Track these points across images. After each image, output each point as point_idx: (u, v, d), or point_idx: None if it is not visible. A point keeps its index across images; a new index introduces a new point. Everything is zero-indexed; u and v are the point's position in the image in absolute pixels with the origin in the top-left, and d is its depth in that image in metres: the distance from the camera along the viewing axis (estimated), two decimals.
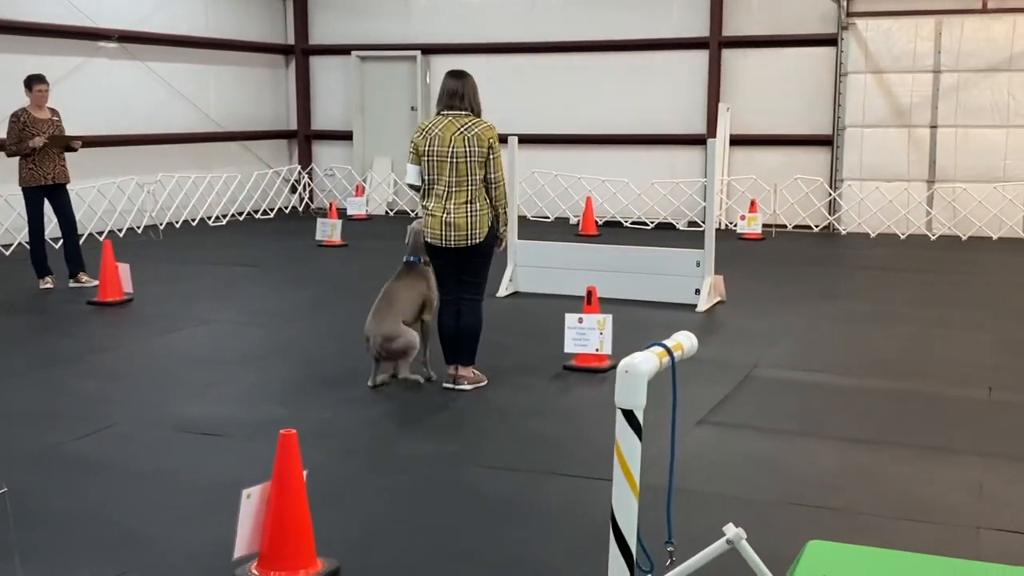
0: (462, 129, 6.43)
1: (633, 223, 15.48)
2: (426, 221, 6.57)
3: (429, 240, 6.58)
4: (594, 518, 4.57)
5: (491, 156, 6.46)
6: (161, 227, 14.75)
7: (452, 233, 6.47)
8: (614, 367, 2.81)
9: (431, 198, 6.52)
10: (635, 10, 16.10)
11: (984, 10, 14.24)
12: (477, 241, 6.51)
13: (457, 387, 6.72)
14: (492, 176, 6.49)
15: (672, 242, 12.07)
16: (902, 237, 14.34)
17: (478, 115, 6.55)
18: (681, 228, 15.14)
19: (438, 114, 6.56)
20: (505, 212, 6.66)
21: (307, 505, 4.01)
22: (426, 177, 6.52)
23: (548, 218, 16.11)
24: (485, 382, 6.85)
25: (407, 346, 6.65)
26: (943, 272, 11.58)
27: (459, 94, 6.51)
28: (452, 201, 6.45)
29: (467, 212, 6.44)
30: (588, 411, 6.36)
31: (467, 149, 6.39)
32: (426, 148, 6.47)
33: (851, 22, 14.88)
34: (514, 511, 4.80)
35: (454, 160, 6.40)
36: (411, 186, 6.64)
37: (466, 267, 6.64)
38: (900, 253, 13.04)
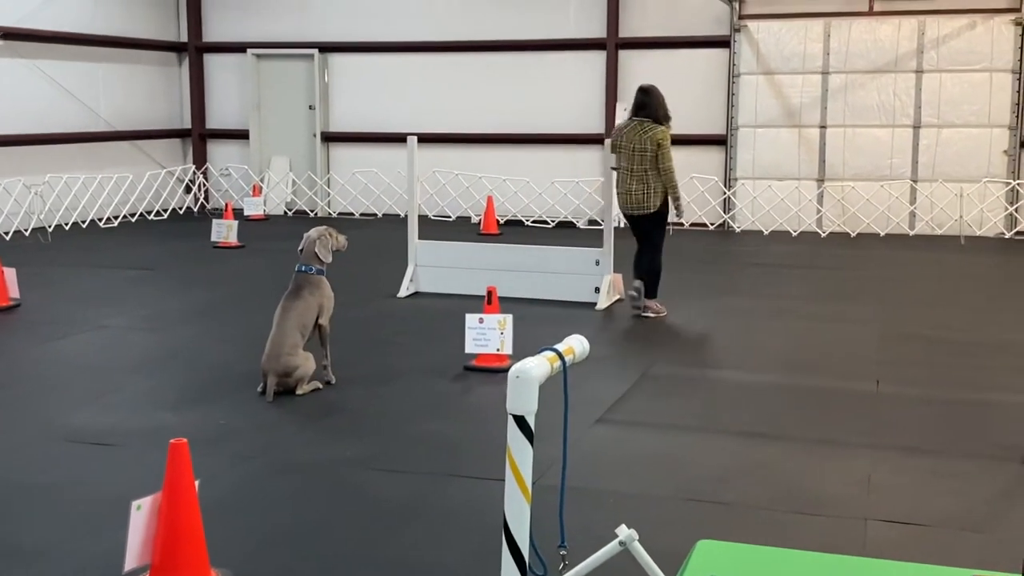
0: (641, 132, 8.87)
1: (534, 222, 15.56)
2: (619, 198, 9.05)
3: (623, 211, 9.09)
4: (492, 520, 4.57)
5: (659, 151, 8.81)
6: (50, 230, 14.32)
7: (633, 205, 8.94)
8: None
9: (621, 181, 9.01)
10: (534, 11, 16.16)
11: (870, 12, 14.68)
12: (650, 211, 8.91)
13: (643, 314, 8.96)
14: (661, 165, 8.83)
15: (572, 241, 12.17)
16: (794, 234, 14.69)
17: (658, 121, 8.87)
18: (581, 227, 15.27)
19: (630, 119, 8.99)
20: (674, 190, 8.88)
21: (199, 515, 3.94)
22: (617, 165, 9.02)
23: (449, 217, 16.10)
24: (665, 313, 9.00)
25: (303, 375, 6.64)
26: (833, 268, 11.90)
27: (642, 106, 8.95)
28: (633, 183, 8.88)
29: (643, 191, 8.87)
30: (488, 412, 6.37)
31: (643, 146, 8.82)
32: (620, 143, 8.99)
33: (743, 24, 15.19)
34: (411, 514, 4.78)
35: (635, 153, 8.85)
36: (613, 168, 9.16)
37: (645, 230, 9.05)
38: (792, 250, 13.36)
